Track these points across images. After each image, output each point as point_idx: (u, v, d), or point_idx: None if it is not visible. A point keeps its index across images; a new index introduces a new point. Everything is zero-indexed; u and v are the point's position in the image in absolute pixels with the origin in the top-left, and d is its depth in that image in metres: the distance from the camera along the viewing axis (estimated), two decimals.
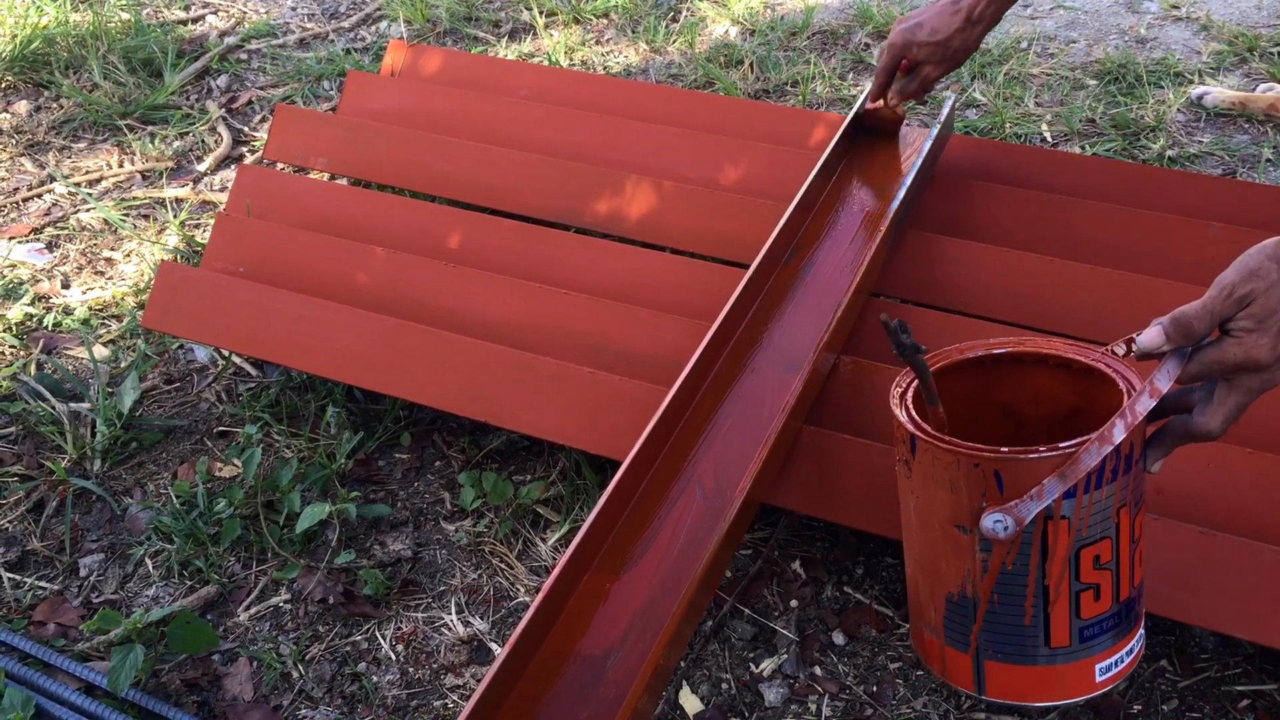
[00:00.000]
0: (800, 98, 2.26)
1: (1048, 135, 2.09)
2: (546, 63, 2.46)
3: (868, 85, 1.72)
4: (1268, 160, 1.97)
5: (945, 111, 1.69)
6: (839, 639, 1.28)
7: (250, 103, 2.46)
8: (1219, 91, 2.11)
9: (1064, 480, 0.87)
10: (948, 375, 0.99)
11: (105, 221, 2.11)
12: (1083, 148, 2.04)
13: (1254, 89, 2.15)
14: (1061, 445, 0.87)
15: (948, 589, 0.96)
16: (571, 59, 2.50)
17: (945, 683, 1.05)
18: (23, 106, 2.49)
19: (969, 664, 0.98)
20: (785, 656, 1.27)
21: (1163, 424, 0.95)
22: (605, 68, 2.47)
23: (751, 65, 2.38)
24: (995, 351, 1.01)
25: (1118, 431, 0.87)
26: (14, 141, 2.38)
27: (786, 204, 1.51)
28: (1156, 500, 1.22)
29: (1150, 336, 0.90)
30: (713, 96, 2.02)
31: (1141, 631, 1.00)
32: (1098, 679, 0.96)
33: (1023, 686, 0.97)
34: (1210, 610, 1.13)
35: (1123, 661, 0.97)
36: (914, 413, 0.95)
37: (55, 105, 2.50)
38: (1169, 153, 2.00)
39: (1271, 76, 2.19)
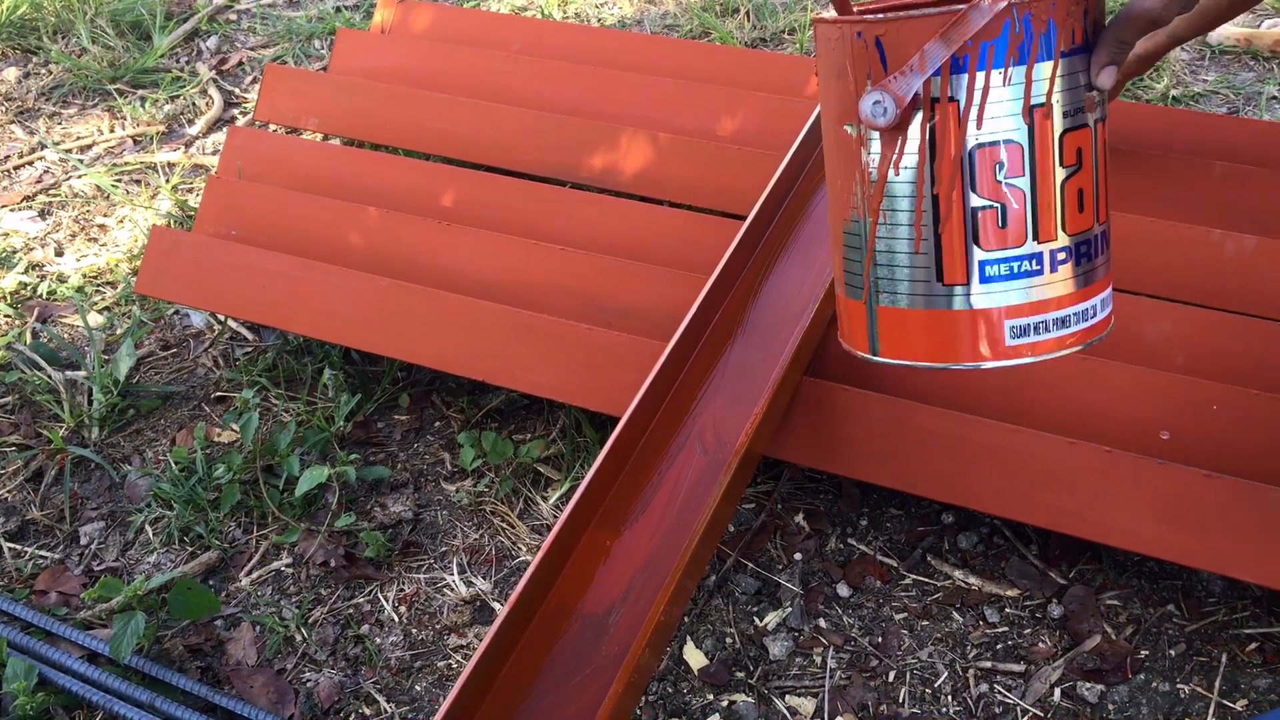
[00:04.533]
0: (798, 45, 2.22)
1: None
2: (539, 16, 2.42)
3: None
4: (1272, 97, 1.94)
5: None
6: (843, 591, 1.28)
7: (241, 64, 2.43)
8: (1224, 28, 2.08)
9: (948, 44, 0.73)
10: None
11: (97, 188, 2.09)
12: None
13: (1259, 25, 2.11)
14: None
15: (843, 215, 0.82)
16: (565, 11, 2.47)
17: (848, 349, 0.88)
18: (11, 73, 2.46)
19: (863, 314, 0.83)
20: (789, 610, 1.26)
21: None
22: (599, 20, 2.44)
23: (748, 13, 2.34)
24: None
25: None
26: (3, 109, 2.36)
27: (785, 153, 1.49)
28: (1161, 445, 1.21)
29: None
30: (709, 46, 1.99)
31: (1095, 306, 0.82)
32: (1008, 341, 0.80)
33: (912, 338, 0.81)
34: (1217, 554, 1.12)
35: (1048, 329, 0.80)
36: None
37: (44, 71, 2.47)
38: (1173, 92, 1.97)
39: (1278, 13, 2.16)
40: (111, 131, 2.25)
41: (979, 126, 0.76)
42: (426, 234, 1.55)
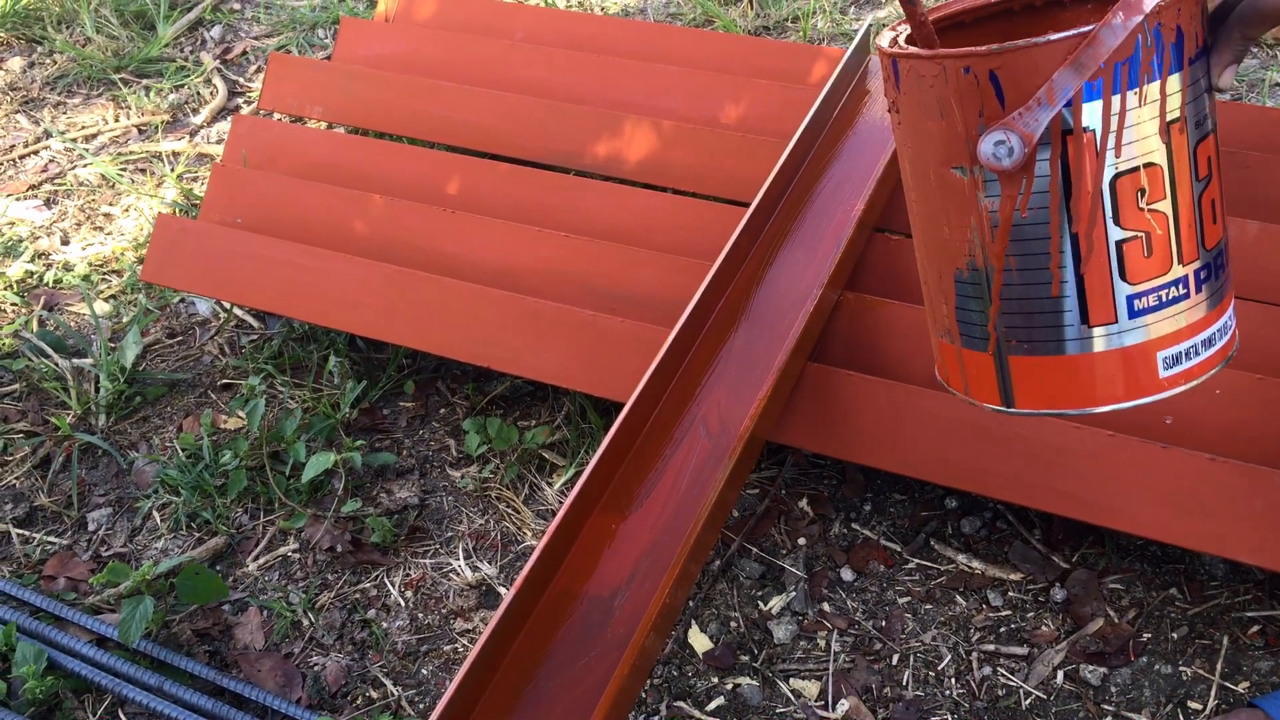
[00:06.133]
0: (801, 33, 2.22)
1: None
2: (543, 3, 2.42)
3: (868, 19, 1.68)
4: (1275, 84, 1.94)
5: None
6: (847, 575, 1.28)
7: (245, 53, 2.43)
8: None
9: (1080, 70, 0.65)
10: (968, 28, 0.80)
11: (103, 177, 2.10)
12: None
13: None
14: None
15: (955, 264, 0.75)
16: None
17: (970, 402, 0.80)
18: (16, 63, 2.47)
19: (990, 366, 0.76)
20: (794, 594, 1.27)
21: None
22: (603, 8, 2.43)
23: (751, 1, 2.34)
24: None
25: None
26: (9, 98, 2.36)
27: (788, 141, 1.49)
28: (1165, 430, 1.21)
29: None
30: (712, 34, 1.99)
31: (1229, 320, 0.76)
32: (1162, 373, 0.74)
33: (1057, 386, 0.74)
34: (1220, 537, 1.13)
35: (1198, 353, 0.74)
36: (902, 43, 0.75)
37: (49, 61, 2.47)
38: None
39: None
40: (116, 121, 2.26)
41: (1118, 155, 0.69)
42: (431, 221, 1.56)
